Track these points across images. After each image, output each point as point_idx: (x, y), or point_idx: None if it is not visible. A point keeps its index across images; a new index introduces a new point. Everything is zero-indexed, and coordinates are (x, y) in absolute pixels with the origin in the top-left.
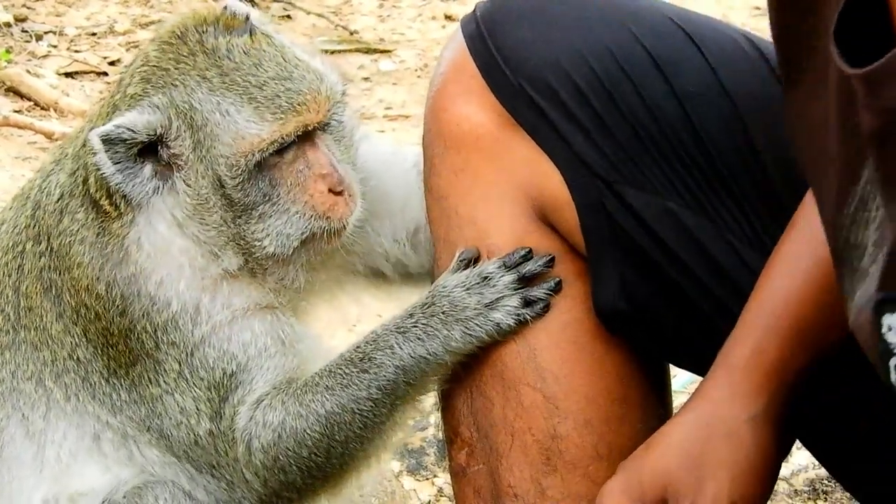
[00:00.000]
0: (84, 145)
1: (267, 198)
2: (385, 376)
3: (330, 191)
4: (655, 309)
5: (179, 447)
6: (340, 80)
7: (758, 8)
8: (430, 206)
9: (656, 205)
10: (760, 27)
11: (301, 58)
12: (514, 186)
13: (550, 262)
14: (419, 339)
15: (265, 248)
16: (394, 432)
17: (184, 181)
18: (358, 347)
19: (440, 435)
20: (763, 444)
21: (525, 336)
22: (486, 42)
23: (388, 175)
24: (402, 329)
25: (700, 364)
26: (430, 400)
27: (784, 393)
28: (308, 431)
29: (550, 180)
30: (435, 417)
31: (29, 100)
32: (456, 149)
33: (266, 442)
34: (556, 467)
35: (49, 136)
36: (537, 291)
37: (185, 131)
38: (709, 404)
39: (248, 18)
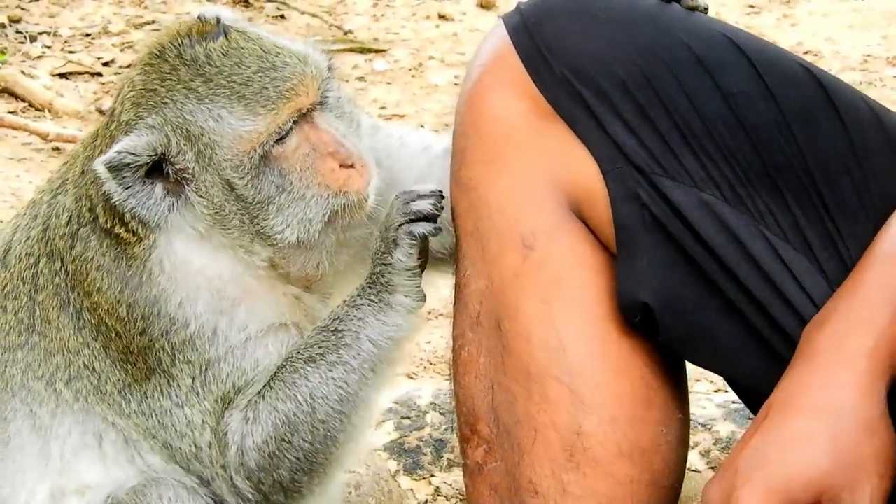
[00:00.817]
0: (83, 173)
1: (281, 189)
2: (356, 344)
3: (341, 166)
4: (684, 301)
5: (181, 458)
6: (324, 57)
7: (751, 6)
8: (458, 199)
9: (693, 196)
10: (754, 24)
11: (280, 45)
12: (548, 177)
13: (440, 197)
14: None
15: (288, 238)
16: (367, 411)
17: (196, 193)
18: (325, 327)
19: (436, 434)
20: (893, 436)
21: (555, 328)
22: (529, 32)
23: (398, 163)
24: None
25: (723, 361)
26: (426, 399)
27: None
28: (297, 414)
29: (585, 172)
30: (431, 417)
31: (23, 101)
32: (490, 138)
33: (261, 438)
34: (579, 464)
35: (43, 136)
36: (423, 204)
37: (184, 145)
38: (836, 399)
39: (219, 21)
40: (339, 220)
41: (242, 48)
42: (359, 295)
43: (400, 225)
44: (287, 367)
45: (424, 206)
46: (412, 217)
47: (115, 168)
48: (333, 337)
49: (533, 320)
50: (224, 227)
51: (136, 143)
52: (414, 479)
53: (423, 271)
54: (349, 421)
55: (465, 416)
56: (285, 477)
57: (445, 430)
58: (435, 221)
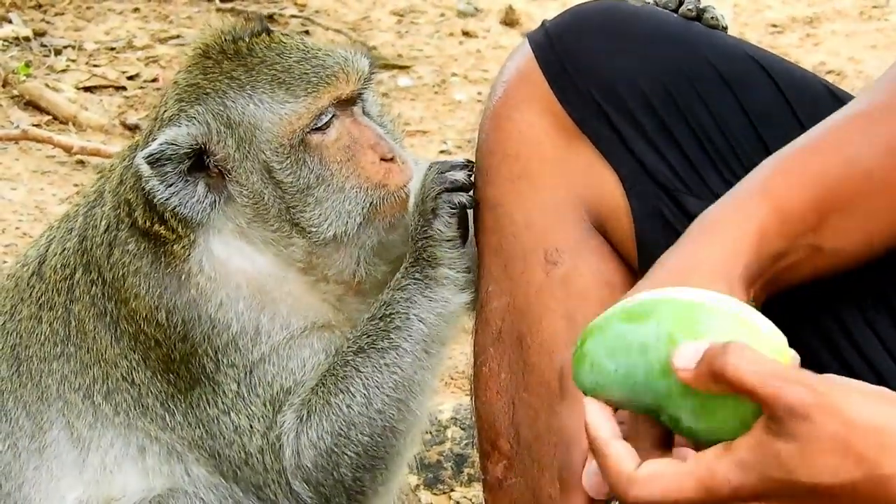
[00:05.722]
0: (122, 182)
1: (320, 179)
2: (406, 325)
3: (381, 159)
4: None
5: (229, 467)
6: (367, 59)
7: (774, 26)
8: (482, 216)
9: None
10: (777, 44)
11: (323, 46)
12: (572, 194)
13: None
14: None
15: (325, 232)
16: (424, 396)
17: (237, 183)
18: (373, 316)
19: (457, 449)
20: None
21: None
22: (554, 50)
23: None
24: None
25: None
26: (446, 414)
27: None
28: (352, 406)
29: (608, 189)
30: (452, 432)
31: (48, 114)
32: (515, 156)
33: (316, 434)
34: None
35: (68, 150)
36: (458, 174)
37: (225, 132)
38: None
39: (261, 19)
40: (378, 217)
41: (285, 43)
42: (402, 276)
43: (438, 194)
44: (337, 361)
45: (460, 175)
46: (449, 186)
47: (156, 161)
48: (382, 323)
49: (555, 336)
50: (264, 220)
51: (177, 134)
52: (434, 494)
53: (464, 242)
54: (407, 408)
55: (486, 431)
56: (346, 476)
57: (466, 445)
58: (468, 192)
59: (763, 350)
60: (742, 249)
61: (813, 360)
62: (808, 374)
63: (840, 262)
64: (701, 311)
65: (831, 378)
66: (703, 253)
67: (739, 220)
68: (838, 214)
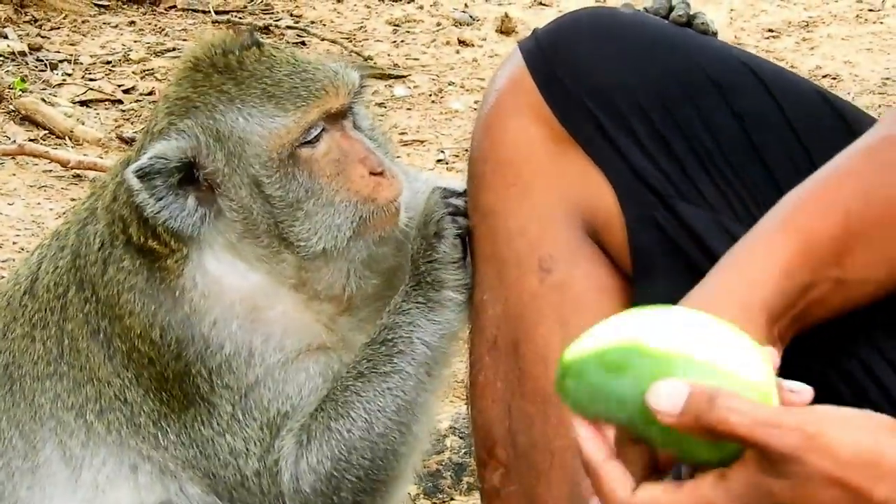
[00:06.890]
0: (115, 199)
1: (309, 193)
2: (409, 349)
3: (371, 173)
4: None
5: (224, 488)
6: (357, 73)
7: (770, 30)
8: (475, 224)
9: (709, 219)
10: (773, 49)
11: (313, 59)
12: (566, 201)
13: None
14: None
15: (314, 246)
16: (426, 418)
17: (226, 197)
18: (373, 340)
19: (456, 458)
20: None
21: None
22: (545, 57)
23: (416, 197)
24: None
25: None
26: (445, 423)
27: None
28: (352, 430)
29: (601, 196)
30: (451, 441)
31: (44, 128)
32: (508, 164)
33: (315, 459)
34: None
35: (64, 164)
36: (459, 201)
37: (214, 145)
38: None
39: (252, 32)
40: (368, 231)
41: (275, 56)
42: (404, 300)
43: (442, 217)
44: (338, 386)
45: (461, 203)
46: (453, 210)
47: (146, 175)
48: (384, 347)
49: (550, 343)
50: (254, 235)
51: (167, 148)
52: (434, 503)
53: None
54: (409, 431)
55: (483, 440)
56: (347, 500)
57: (465, 453)
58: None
59: (741, 392)
60: (764, 281)
61: (834, 395)
62: (796, 415)
63: (866, 294)
64: (676, 366)
65: (818, 412)
66: (726, 286)
67: (763, 254)
68: (861, 246)
